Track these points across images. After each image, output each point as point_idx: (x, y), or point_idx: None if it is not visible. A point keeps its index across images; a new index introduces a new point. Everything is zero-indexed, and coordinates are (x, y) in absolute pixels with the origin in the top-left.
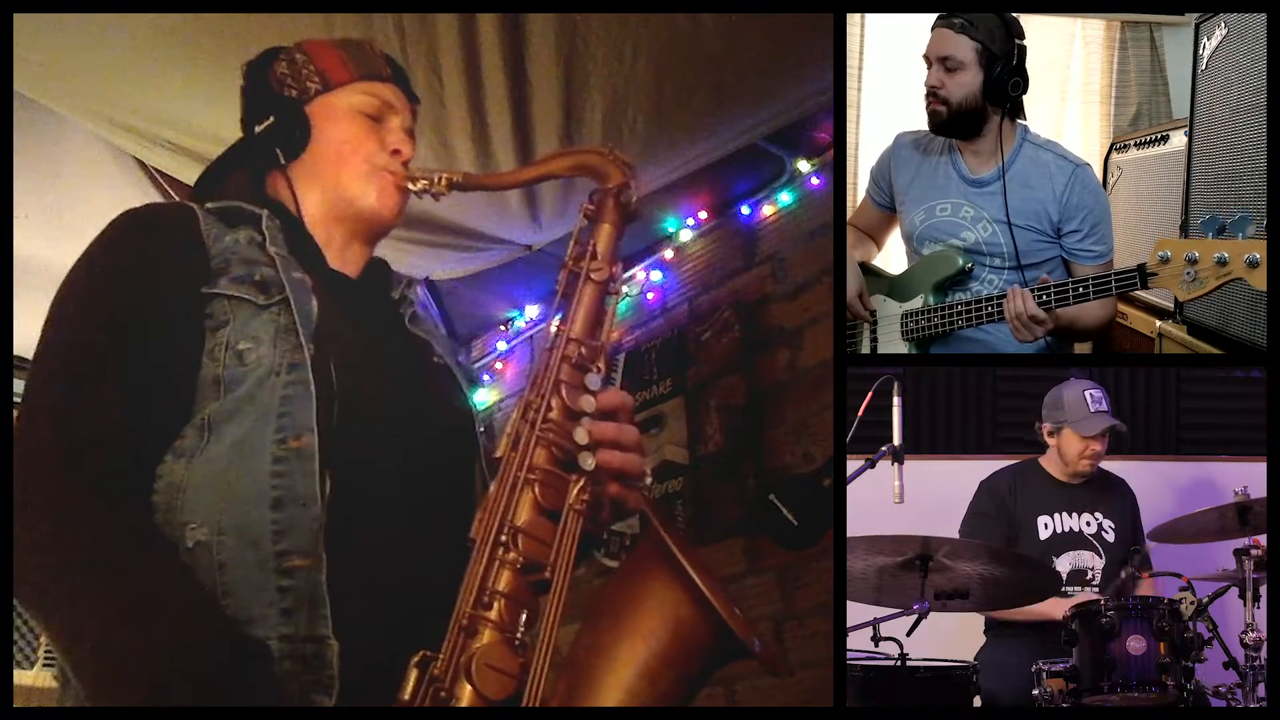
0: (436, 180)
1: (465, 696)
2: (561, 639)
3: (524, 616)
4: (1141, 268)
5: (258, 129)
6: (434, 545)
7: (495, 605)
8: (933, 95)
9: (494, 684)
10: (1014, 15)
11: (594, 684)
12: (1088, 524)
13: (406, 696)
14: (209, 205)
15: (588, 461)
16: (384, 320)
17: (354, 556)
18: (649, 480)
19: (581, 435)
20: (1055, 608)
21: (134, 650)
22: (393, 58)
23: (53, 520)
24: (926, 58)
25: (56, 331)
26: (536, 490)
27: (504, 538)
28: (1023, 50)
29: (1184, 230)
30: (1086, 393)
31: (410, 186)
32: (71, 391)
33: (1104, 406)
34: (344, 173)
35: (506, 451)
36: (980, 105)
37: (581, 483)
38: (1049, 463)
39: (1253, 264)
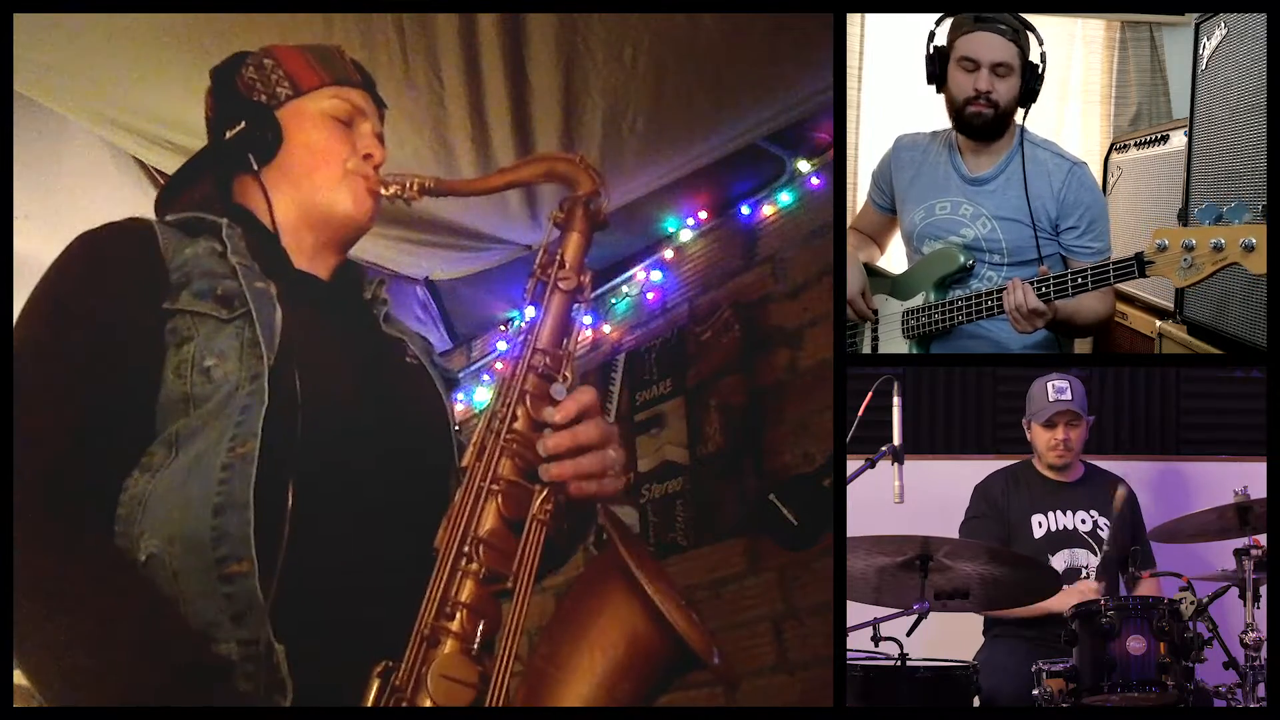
0: (408, 185)
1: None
2: (521, 646)
3: (482, 626)
4: (1139, 256)
5: (228, 134)
6: (400, 549)
7: (458, 616)
8: (984, 99)
9: (453, 695)
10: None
11: (551, 693)
12: (1082, 521)
13: (369, 705)
14: (168, 218)
15: (546, 473)
16: (355, 321)
17: (317, 562)
18: (619, 466)
19: (541, 448)
20: (1056, 600)
21: (95, 674)
22: (359, 64)
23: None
24: (972, 60)
25: (16, 362)
26: (500, 500)
27: (466, 548)
28: (1044, 55)
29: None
30: (1049, 384)
31: (382, 191)
32: (32, 419)
33: (1064, 396)
34: (317, 177)
35: (472, 461)
36: (1014, 109)
37: (545, 493)
38: (1039, 461)
39: (1248, 248)
